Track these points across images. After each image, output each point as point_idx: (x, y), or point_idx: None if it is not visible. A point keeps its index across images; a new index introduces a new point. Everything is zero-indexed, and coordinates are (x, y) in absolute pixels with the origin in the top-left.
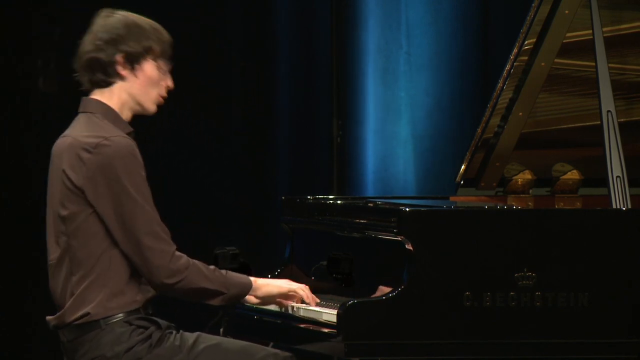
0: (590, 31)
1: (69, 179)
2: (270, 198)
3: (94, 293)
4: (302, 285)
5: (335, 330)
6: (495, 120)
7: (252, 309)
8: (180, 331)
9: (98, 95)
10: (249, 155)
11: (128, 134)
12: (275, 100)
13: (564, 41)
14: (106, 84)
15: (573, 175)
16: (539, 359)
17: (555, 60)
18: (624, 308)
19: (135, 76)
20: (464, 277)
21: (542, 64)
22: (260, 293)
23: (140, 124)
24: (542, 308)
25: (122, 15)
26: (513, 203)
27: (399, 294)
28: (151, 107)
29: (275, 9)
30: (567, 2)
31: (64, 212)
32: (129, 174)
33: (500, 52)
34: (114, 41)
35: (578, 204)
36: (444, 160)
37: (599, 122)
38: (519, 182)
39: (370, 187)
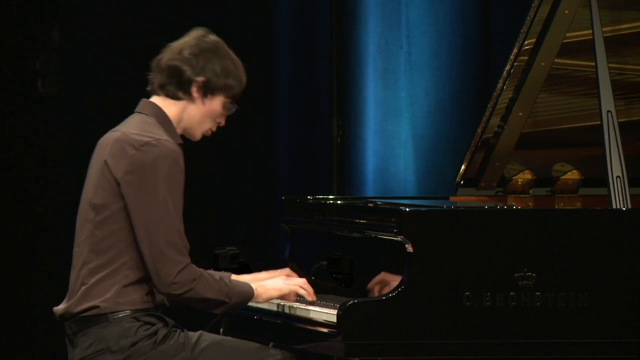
0: (590, 31)
1: (109, 169)
2: (270, 198)
3: (106, 287)
4: (301, 282)
5: (335, 330)
6: (495, 120)
7: (252, 309)
8: (185, 330)
9: (159, 101)
10: (249, 155)
11: (178, 145)
12: (275, 100)
13: (564, 41)
14: (174, 96)
15: (573, 175)
16: (539, 359)
17: (555, 60)
18: (624, 308)
19: (203, 103)
20: (464, 277)
21: (542, 64)
22: (261, 300)
23: None
24: (542, 308)
25: (217, 42)
26: (513, 203)
27: (399, 294)
28: (198, 136)
29: (275, 8)
30: (567, 2)
31: (95, 201)
32: (168, 178)
33: (500, 52)
34: (205, 63)
35: (578, 204)
36: (444, 160)
37: (599, 122)
38: (519, 182)
39: (370, 187)
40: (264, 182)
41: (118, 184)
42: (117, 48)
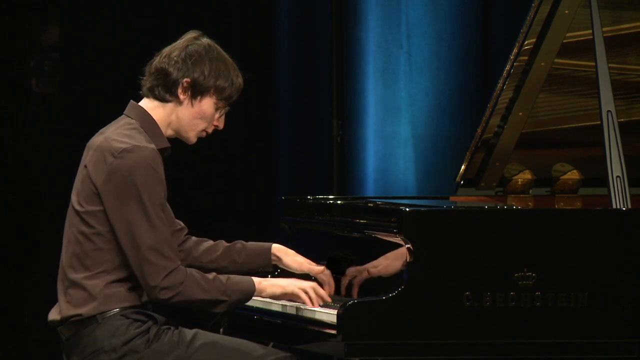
0: (590, 31)
1: (89, 176)
2: (270, 198)
3: (92, 289)
4: (310, 285)
5: (335, 330)
6: (495, 120)
7: (252, 309)
8: (179, 327)
9: (148, 104)
10: (249, 155)
11: (164, 148)
12: (275, 100)
13: (564, 41)
14: (162, 99)
15: (573, 175)
16: (538, 359)
17: (555, 60)
18: (624, 308)
19: (191, 105)
20: (464, 277)
21: (542, 64)
22: (265, 295)
23: None
24: (542, 308)
25: (209, 44)
26: (513, 203)
27: (399, 294)
28: (192, 138)
29: (275, 9)
30: (567, 2)
31: (78, 207)
32: (146, 184)
33: (500, 52)
34: (191, 64)
35: (578, 204)
36: (444, 160)
37: (599, 122)
38: (519, 182)
39: (370, 187)
40: (264, 182)
41: (98, 191)
42: (117, 48)
